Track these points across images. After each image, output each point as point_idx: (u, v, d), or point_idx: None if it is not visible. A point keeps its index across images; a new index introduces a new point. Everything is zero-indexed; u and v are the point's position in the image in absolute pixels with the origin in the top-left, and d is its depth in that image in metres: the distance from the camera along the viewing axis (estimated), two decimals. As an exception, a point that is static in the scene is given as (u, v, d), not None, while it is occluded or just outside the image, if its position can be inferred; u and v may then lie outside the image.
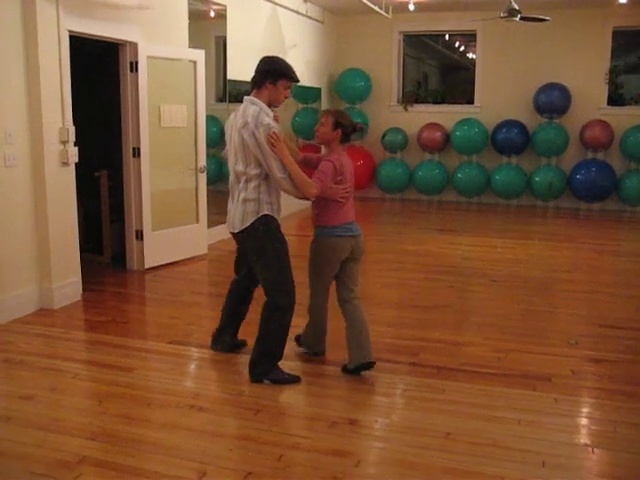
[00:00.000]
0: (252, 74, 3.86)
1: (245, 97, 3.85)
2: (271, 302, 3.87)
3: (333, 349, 4.41)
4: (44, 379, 3.99)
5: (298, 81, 3.95)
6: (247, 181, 3.76)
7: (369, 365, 4.02)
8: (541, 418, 3.51)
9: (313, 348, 4.35)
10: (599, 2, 9.76)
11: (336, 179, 3.91)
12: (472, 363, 4.29)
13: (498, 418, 3.51)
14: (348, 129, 3.95)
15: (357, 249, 4.06)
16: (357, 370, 4.01)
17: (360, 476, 3.00)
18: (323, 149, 4.30)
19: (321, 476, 2.95)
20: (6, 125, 4.84)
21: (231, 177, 3.91)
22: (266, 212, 3.78)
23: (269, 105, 3.80)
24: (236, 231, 3.87)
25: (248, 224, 3.77)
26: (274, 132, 3.64)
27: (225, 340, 4.41)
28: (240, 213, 3.80)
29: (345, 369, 4.07)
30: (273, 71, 3.79)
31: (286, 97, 3.89)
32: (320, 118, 4.01)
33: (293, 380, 3.97)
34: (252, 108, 3.73)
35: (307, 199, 3.88)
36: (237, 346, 4.45)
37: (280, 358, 3.99)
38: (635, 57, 11.49)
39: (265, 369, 3.95)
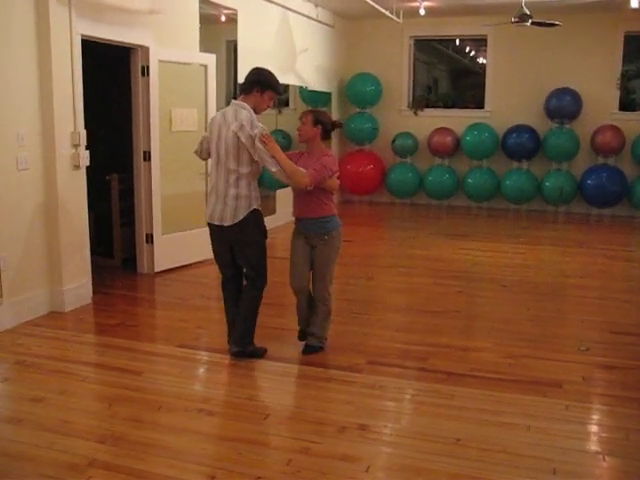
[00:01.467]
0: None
1: (233, 101, 4.28)
2: (258, 283, 4.31)
3: (342, 352, 4.41)
4: (54, 382, 4.01)
5: (282, 94, 4.28)
6: (239, 179, 4.11)
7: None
8: (552, 425, 3.49)
9: (324, 339, 4.52)
10: (611, 7, 9.71)
11: (333, 172, 4.25)
12: (482, 369, 4.27)
13: (508, 424, 3.49)
14: (327, 125, 4.27)
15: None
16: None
17: (369, 481, 2.99)
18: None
19: (330, 481, 2.95)
20: (19, 129, 4.87)
21: (215, 173, 4.23)
22: (255, 206, 4.19)
23: (253, 111, 4.17)
24: (227, 224, 4.17)
25: (241, 217, 4.14)
26: (266, 134, 4.04)
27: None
28: (232, 208, 4.14)
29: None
30: (262, 82, 4.20)
31: (269, 106, 4.34)
32: (300, 119, 4.30)
33: (262, 351, 4.40)
34: (244, 112, 4.10)
35: (302, 188, 4.16)
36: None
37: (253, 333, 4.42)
38: (647, 62, 11.44)
39: (248, 344, 4.35)
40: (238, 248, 4.27)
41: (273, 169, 4.06)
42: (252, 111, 4.13)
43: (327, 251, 4.33)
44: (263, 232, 4.30)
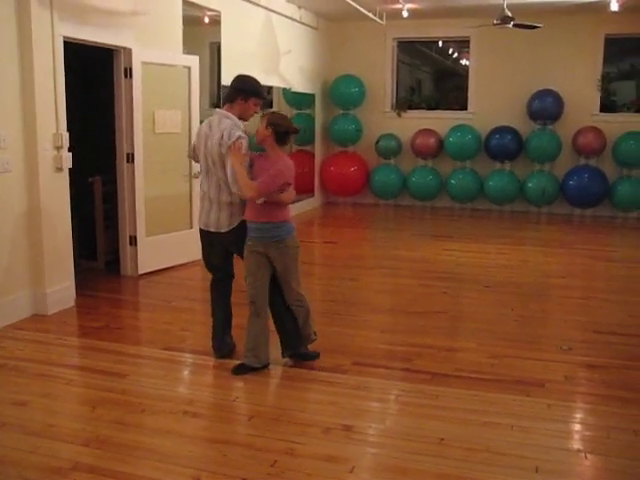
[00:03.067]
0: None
1: (217, 110, 4.28)
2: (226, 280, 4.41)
3: (327, 354, 4.42)
4: (37, 385, 3.98)
5: (266, 99, 4.24)
6: (230, 186, 4.06)
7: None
8: (534, 424, 3.52)
9: (312, 339, 4.40)
10: (591, 9, 9.81)
11: (284, 185, 4.05)
12: (466, 369, 4.29)
13: (492, 424, 3.52)
14: (280, 128, 4.04)
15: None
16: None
17: (354, 482, 3.00)
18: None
19: (315, 482, 2.95)
20: (0, 130, 4.84)
21: (207, 181, 4.22)
22: (242, 215, 4.13)
23: (239, 119, 4.17)
24: (223, 231, 4.18)
25: (236, 224, 4.14)
26: (238, 143, 3.96)
27: (228, 342, 4.47)
28: (227, 215, 4.15)
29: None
30: (245, 89, 4.19)
31: (255, 112, 4.29)
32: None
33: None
34: (227, 122, 4.10)
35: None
36: (234, 346, 4.50)
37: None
38: (627, 64, 11.55)
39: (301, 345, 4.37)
40: (234, 252, 4.32)
41: (233, 189, 4.01)
42: (236, 120, 4.13)
43: (286, 260, 4.14)
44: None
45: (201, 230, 4.31)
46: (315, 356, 4.36)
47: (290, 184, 4.10)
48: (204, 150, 4.17)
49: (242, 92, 4.16)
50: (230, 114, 4.14)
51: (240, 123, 4.15)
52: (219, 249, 4.32)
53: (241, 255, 4.21)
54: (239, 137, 4.00)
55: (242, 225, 4.13)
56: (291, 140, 4.26)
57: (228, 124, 4.07)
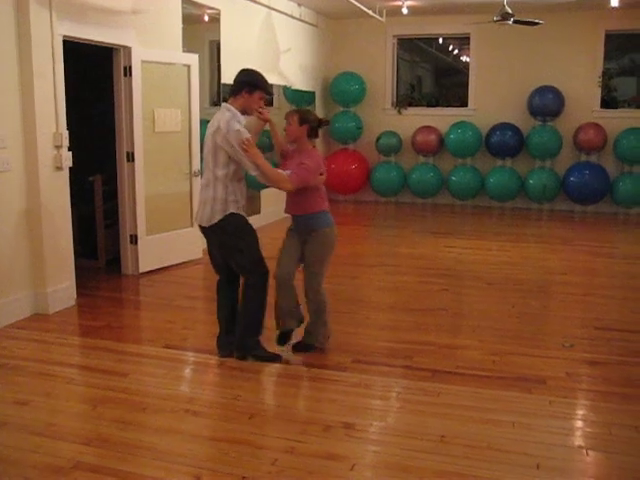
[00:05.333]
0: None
1: (223, 104, 4.30)
2: (250, 281, 4.27)
3: (327, 351, 4.43)
4: (39, 384, 3.99)
5: (272, 95, 4.22)
6: (216, 180, 4.12)
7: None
8: (536, 421, 3.52)
9: (322, 340, 4.47)
10: (591, 6, 9.79)
11: (318, 173, 4.26)
12: (467, 366, 4.29)
13: (493, 421, 3.52)
14: (314, 123, 4.26)
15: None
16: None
17: (355, 480, 3.00)
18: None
19: (316, 480, 2.95)
20: (0, 130, 4.84)
21: (204, 175, 4.27)
22: (233, 210, 4.15)
23: (243, 112, 4.19)
24: (205, 225, 4.22)
25: (216, 220, 4.14)
26: (247, 139, 3.99)
27: (232, 342, 4.44)
28: (209, 210, 4.16)
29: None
30: (251, 82, 4.19)
31: (259, 107, 4.27)
32: (286, 119, 4.30)
33: (274, 358, 4.33)
34: (226, 114, 4.11)
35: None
36: None
37: (261, 333, 4.35)
38: (628, 60, 11.54)
39: (249, 345, 4.30)
40: (222, 251, 4.30)
41: (253, 173, 4.07)
42: (237, 113, 4.13)
43: (315, 248, 4.31)
44: (247, 234, 4.25)
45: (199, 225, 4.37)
46: (309, 348, 4.46)
47: (323, 173, 4.30)
48: (205, 143, 4.23)
49: (248, 85, 4.16)
50: (232, 107, 4.15)
51: (241, 117, 4.15)
52: (213, 246, 4.35)
53: (230, 258, 4.26)
54: (240, 132, 4.00)
55: (223, 223, 4.12)
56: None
57: (227, 116, 4.09)
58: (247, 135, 4.04)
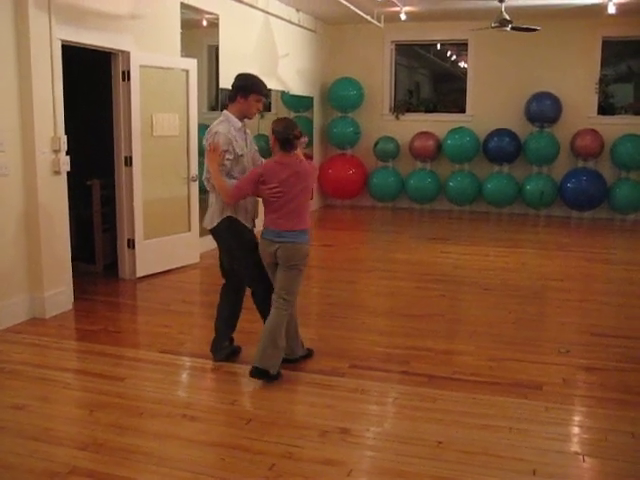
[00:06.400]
0: None
1: (223, 111, 4.28)
2: (252, 292, 4.33)
3: (324, 356, 4.42)
4: (35, 389, 3.98)
5: (267, 96, 4.21)
6: (213, 185, 4.11)
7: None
8: (532, 426, 3.52)
9: (295, 353, 4.34)
10: (589, 12, 9.83)
11: (258, 183, 4.00)
12: (464, 372, 4.29)
13: (489, 427, 3.52)
14: (279, 135, 3.97)
15: (280, 257, 4.04)
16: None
17: (352, 485, 3.00)
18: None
19: (313, 485, 2.95)
20: (-2, 134, 4.84)
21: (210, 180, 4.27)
22: (229, 214, 4.14)
23: (242, 117, 4.20)
24: (207, 228, 4.30)
25: (215, 224, 4.19)
26: (215, 143, 4.02)
27: (226, 346, 4.45)
28: (210, 213, 4.23)
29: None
30: (245, 87, 4.19)
31: (258, 109, 4.26)
32: None
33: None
34: (219, 119, 4.18)
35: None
36: (235, 352, 4.49)
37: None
38: (625, 66, 11.58)
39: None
40: (225, 256, 4.35)
41: (206, 175, 4.14)
42: (230, 117, 4.14)
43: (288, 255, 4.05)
44: (245, 241, 4.21)
45: None
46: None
47: (274, 186, 3.94)
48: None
49: (242, 89, 4.17)
50: (229, 113, 4.18)
51: (236, 123, 4.13)
52: (220, 250, 4.39)
53: (231, 262, 4.26)
54: (216, 133, 4.04)
55: (220, 226, 4.15)
56: (299, 145, 4.08)
57: (218, 120, 4.16)
58: (223, 140, 4.01)
